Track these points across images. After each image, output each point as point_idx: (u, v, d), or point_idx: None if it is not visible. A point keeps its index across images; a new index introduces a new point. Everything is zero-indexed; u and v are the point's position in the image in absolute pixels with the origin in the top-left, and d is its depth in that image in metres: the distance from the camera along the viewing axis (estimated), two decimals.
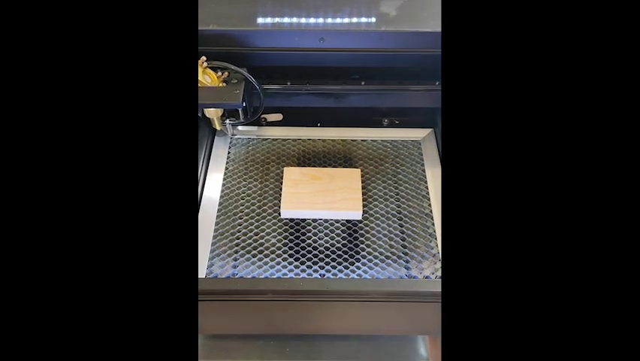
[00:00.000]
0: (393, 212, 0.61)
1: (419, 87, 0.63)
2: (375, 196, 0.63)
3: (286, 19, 0.60)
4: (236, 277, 0.55)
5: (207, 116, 0.65)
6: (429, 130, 0.72)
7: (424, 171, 0.67)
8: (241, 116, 0.65)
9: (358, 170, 0.64)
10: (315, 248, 0.57)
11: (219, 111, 0.64)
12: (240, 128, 0.72)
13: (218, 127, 0.66)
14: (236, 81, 0.58)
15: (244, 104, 0.57)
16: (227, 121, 0.66)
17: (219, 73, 0.58)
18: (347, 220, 0.60)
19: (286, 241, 0.58)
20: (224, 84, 0.57)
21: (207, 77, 0.57)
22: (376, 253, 0.57)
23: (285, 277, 0.55)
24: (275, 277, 0.55)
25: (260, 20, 0.60)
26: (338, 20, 0.59)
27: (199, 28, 0.56)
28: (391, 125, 0.72)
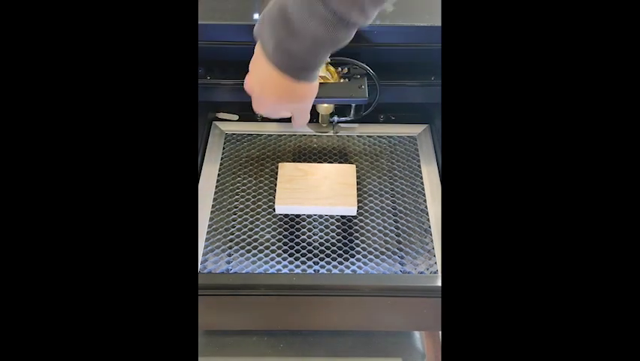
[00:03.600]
0: (388, 208, 0.61)
1: (415, 82, 0.63)
2: (371, 192, 0.63)
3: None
4: (230, 272, 0.55)
5: (318, 111, 0.65)
6: (425, 126, 0.71)
7: (419, 166, 0.66)
8: (352, 113, 0.65)
9: (353, 166, 0.64)
10: (309, 244, 0.57)
11: (329, 108, 0.64)
12: (235, 124, 0.71)
13: (324, 124, 0.66)
14: (359, 76, 0.57)
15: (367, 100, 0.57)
16: (335, 118, 0.66)
17: (339, 68, 0.57)
18: (342, 216, 0.60)
19: (280, 236, 0.58)
20: (344, 80, 0.57)
21: (328, 74, 0.56)
22: (371, 249, 0.57)
23: (279, 272, 0.54)
24: (269, 272, 0.54)
25: (256, 15, 0.60)
26: None
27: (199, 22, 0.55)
28: (387, 120, 0.72)
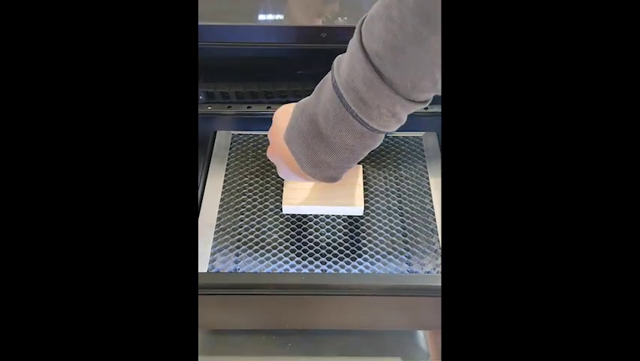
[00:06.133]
0: (395, 208, 0.62)
1: (425, 112, 0.62)
2: (377, 192, 0.63)
3: (285, 15, 0.60)
4: (238, 272, 0.55)
5: None
6: None
7: (425, 167, 0.67)
8: None
9: (360, 166, 0.64)
10: (316, 244, 0.58)
11: None
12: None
13: None
14: None
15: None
16: None
17: None
18: (348, 216, 0.60)
19: (288, 236, 0.58)
20: None
21: None
22: (378, 249, 0.57)
23: (287, 272, 0.55)
24: (277, 272, 0.55)
25: (260, 16, 0.60)
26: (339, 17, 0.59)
27: (200, 23, 0.55)
28: None
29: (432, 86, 0.36)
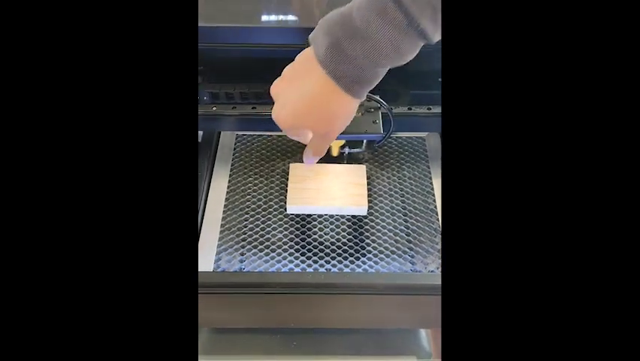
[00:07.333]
0: (398, 208, 0.62)
1: (429, 113, 0.62)
2: (380, 192, 0.64)
3: (290, 17, 0.60)
4: (243, 271, 0.55)
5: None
6: None
7: (428, 167, 0.67)
8: (364, 145, 0.65)
9: (363, 166, 0.65)
10: (321, 243, 0.58)
11: (341, 140, 0.63)
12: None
13: (335, 154, 0.65)
14: (372, 110, 0.56)
15: (384, 134, 0.56)
16: (347, 150, 0.65)
17: None
18: (352, 216, 0.61)
19: (292, 236, 0.59)
20: (357, 114, 0.55)
21: None
22: (381, 248, 0.58)
23: (292, 271, 0.55)
24: (282, 271, 0.55)
25: (264, 17, 0.61)
26: None
27: (205, 24, 0.56)
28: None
29: None
